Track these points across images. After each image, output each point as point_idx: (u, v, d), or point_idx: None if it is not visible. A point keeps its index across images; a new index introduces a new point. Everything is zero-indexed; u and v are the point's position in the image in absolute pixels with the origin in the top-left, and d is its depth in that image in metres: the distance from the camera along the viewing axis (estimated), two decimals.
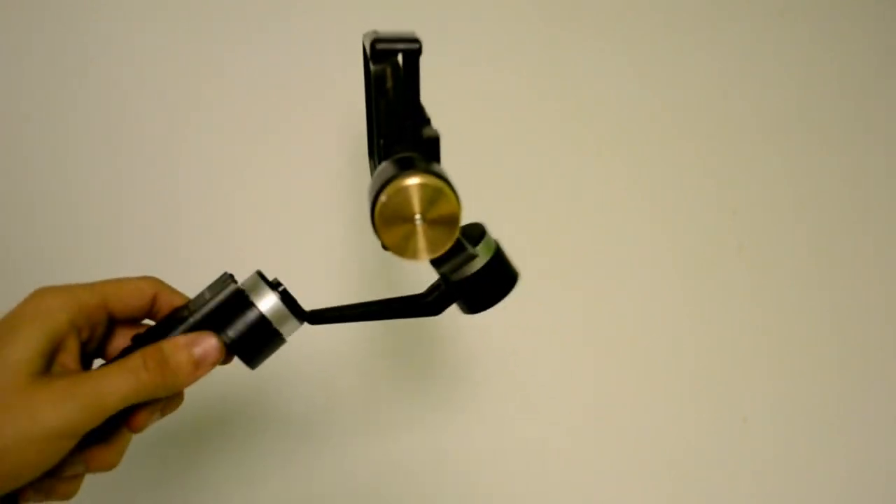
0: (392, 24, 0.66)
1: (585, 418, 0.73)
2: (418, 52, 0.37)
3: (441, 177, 0.35)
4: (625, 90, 0.71)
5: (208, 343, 0.38)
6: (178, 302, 0.41)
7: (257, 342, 0.40)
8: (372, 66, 0.37)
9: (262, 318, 0.39)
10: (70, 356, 0.37)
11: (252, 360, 0.40)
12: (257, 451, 0.67)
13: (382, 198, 0.34)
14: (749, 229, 0.75)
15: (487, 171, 0.67)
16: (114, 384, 0.35)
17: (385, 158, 0.37)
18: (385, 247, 0.36)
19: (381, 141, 0.38)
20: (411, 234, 0.35)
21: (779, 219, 0.75)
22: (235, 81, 0.63)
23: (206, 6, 0.62)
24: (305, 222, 0.65)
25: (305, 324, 0.41)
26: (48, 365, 0.35)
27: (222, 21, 0.63)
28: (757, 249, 0.75)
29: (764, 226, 0.75)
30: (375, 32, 0.39)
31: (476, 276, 0.41)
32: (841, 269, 0.77)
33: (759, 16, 0.73)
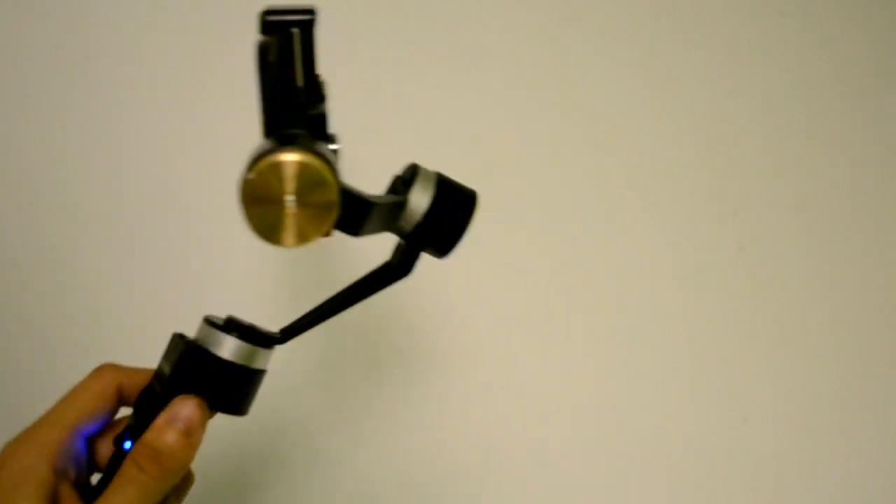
0: (390, 24, 0.66)
1: (584, 418, 0.73)
2: (312, 23, 0.34)
3: (321, 156, 0.32)
4: (623, 90, 0.71)
5: (186, 408, 0.36)
6: (144, 380, 0.39)
7: (237, 388, 0.37)
8: (260, 40, 0.35)
9: (229, 365, 0.36)
10: (70, 500, 0.35)
11: (239, 408, 0.38)
12: (258, 449, 0.67)
13: (250, 174, 0.31)
14: (749, 229, 0.75)
15: (484, 171, 0.67)
16: (123, 503, 0.34)
17: (268, 137, 0.35)
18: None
19: (265, 118, 0.35)
20: (280, 219, 0.32)
21: (779, 219, 0.75)
22: (238, 76, 0.63)
23: (207, 5, 0.63)
24: None
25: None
26: None
27: (224, 20, 0.63)
28: (757, 249, 0.75)
29: (764, 226, 0.75)
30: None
31: (429, 215, 0.38)
32: (841, 269, 0.77)
33: (759, 16, 0.73)
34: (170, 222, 0.64)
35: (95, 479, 0.39)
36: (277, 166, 0.31)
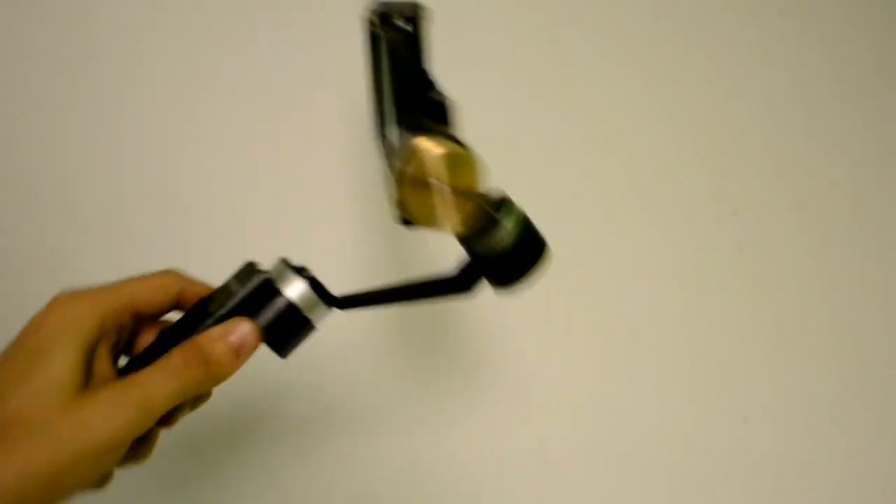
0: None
1: (586, 418, 0.73)
2: (424, 17, 0.37)
3: (463, 144, 0.35)
4: (624, 90, 0.71)
5: (244, 329, 0.38)
6: (202, 293, 0.40)
7: (288, 331, 0.39)
8: (385, 35, 0.37)
9: (292, 307, 0.39)
10: (104, 362, 0.36)
11: (283, 349, 0.40)
12: (260, 449, 0.67)
13: (408, 167, 0.34)
14: (749, 229, 0.75)
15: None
16: (160, 387, 0.35)
17: (404, 127, 0.37)
18: (405, 220, 0.36)
19: (396, 110, 0.38)
20: (435, 203, 0.35)
21: (779, 219, 0.75)
22: (237, 76, 0.63)
23: (206, 4, 0.63)
24: (313, 213, 0.65)
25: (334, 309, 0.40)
26: (86, 376, 0.35)
27: (223, 18, 0.63)
28: (757, 249, 0.75)
29: (764, 226, 0.75)
30: (377, 3, 0.40)
31: (509, 252, 0.40)
32: (841, 269, 0.77)
33: (759, 16, 0.73)
34: (170, 222, 0.64)
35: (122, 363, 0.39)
36: (431, 157, 0.34)
